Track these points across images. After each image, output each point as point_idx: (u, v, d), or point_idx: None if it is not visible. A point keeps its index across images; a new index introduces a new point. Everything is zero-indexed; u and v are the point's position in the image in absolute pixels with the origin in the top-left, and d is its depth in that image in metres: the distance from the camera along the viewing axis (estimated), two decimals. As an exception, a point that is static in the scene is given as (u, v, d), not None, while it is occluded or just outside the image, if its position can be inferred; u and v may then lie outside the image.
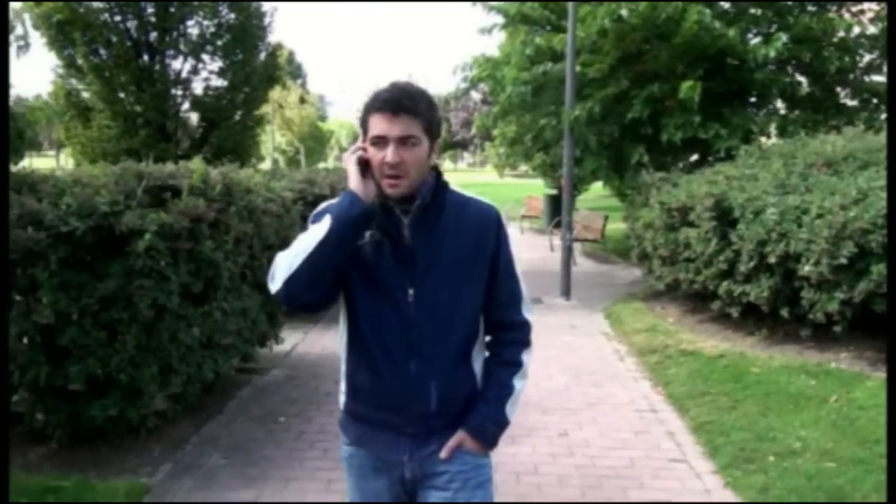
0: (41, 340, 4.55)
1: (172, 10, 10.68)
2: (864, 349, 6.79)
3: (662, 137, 11.20)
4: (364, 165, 2.10)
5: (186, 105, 11.78)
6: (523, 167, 30.28)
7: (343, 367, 2.31)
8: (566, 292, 10.84)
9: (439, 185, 2.19)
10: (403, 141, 2.05)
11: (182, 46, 11.21)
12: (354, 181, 2.09)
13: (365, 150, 2.11)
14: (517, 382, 2.30)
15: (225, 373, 5.61)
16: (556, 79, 11.98)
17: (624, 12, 10.67)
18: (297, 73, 14.25)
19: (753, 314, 7.69)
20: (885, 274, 6.01)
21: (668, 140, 11.16)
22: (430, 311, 2.17)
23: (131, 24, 10.82)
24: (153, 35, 10.95)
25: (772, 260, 6.86)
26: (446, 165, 71.46)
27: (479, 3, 13.68)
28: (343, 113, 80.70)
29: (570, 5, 10.65)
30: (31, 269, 4.49)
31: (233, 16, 11.15)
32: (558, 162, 13.27)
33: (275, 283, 2.14)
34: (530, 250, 15.71)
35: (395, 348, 2.18)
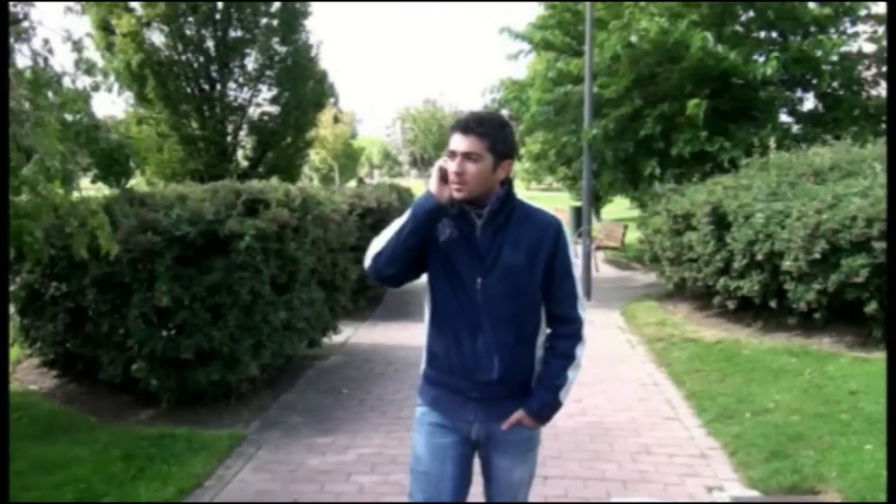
0: (157, 321, 5.76)
1: (230, 46, 12.07)
2: (844, 335, 7.81)
3: (673, 151, 12.25)
4: (445, 174, 2.58)
5: (244, 129, 13.13)
6: (548, 181, 31.36)
7: (425, 340, 2.77)
8: (587, 293, 11.88)
9: (508, 196, 2.63)
10: (468, 156, 2.52)
11: (240, 78, 12.60)
12: (433, 184, 2.58)
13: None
14: (570, 373, 2.67)
15: (298, 353, 6.80)
16: (576, 99, 13.10)
17: (634, 38, 11.78)
18: (329, 91, 15.16)
19: (751, 308, 8.74)
20: (853, 266, 7.06)
21: (678, 154, 12.21)
22: (493, 298, 2.60)
23: (194, 59, 12.23)
24: (214, 68, 12.33)
25: (760, 257, 7.94)
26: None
27: (506, 32, 14.79)
28: (373, 130, 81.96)
29: (586, 33, 11.78)
30: (150, 265, 5.70)
31: (284, 49, 12.54)
32: (579, 175, 14.40)
33: (366, 261, 2.71)
34: (556, 258, 16.77)
35: (465, 325, 2.63)
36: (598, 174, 13.64)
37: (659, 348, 8.26)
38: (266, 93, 12.83)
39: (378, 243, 2.68)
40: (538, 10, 15.90)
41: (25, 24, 6.01)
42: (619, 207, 27.81)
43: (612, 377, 7.23)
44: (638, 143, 12.86)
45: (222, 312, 5.73)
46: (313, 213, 6.59)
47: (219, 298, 5.70)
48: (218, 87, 12.40)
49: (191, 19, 12.07)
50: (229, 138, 12.69)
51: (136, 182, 6.83)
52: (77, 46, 6.41)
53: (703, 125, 11.87)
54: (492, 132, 2.55)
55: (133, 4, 12.27)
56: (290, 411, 6.19)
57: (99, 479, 4.81)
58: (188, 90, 12.23)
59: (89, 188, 7.28)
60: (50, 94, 5.80)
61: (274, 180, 6.58)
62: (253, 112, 12.99)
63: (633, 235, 16.60)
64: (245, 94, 12.65)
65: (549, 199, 34.93)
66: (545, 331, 2.74)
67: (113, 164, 6.50)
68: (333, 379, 7.15)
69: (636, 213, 19.70)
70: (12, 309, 7.26)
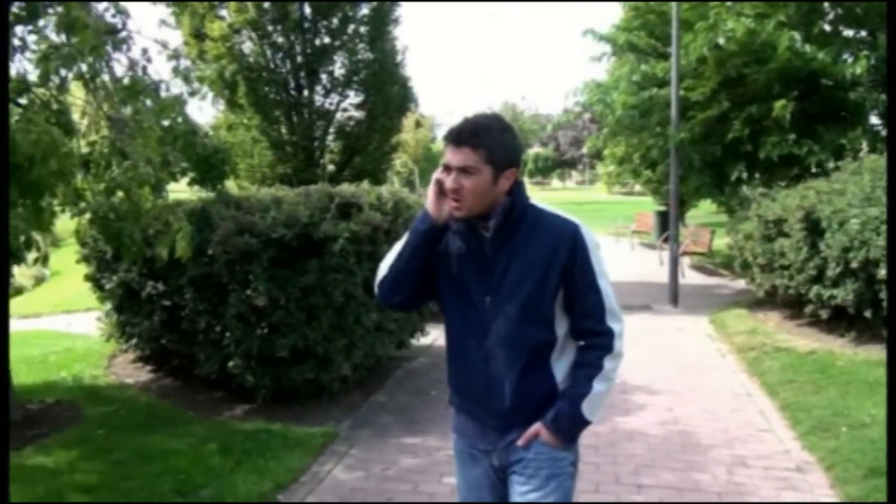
0: (254, 320, 5.94)
1: (318, 53, 12.34)
2: (945, 347, 7.54)
3: (760, 155, 11.98)
4: (443, 187, 2.36)
5: (331, 134, 13.35)
6: (631, 184, 31.00)
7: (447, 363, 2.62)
8: (674, 300, 11.74)
9: (513, 206, 2.38)
10: (462, 170, 2.30)
11: (327, 84, 12.83)
12: (429, 201, 2.38)
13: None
14: (597, 384, 2.40)
15: (387, 354, 6.91)
16: (661, 102, 12.93)
17: (721, 40, 11.57)
18: (410, 96, 15.15)
19: (845, 318, 8.49)
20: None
21: (765, 157, 11.94)
22: (503, 318, 2.38)
23: (283, 65, 12.53)
24: (302, 74, 12.59)
25: (854, 265, 7.70)
26: (554, 184, 71.94)
27: (590, 34, 14.69)
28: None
29: (673, 34, 11.63)
30: (247, 266, 5.89)
31: (370, 56, 12.72)
32: (664, 179, 14.20)
33: (375, 287, 2.59)
34: (641, 264, 16.61)
35: (475, 349, 2.44)
36: (685, 178, 13.41)
37: (750, 358, 8.10)
38: (353, 98, 13.08)
39: (382, 268, 2.55)
40: (622, 11, 15.75)
41: (124, 33, 6.30)
42: (702, 211, 27.33)
43: (702, 386, 7.13)
44: (725, 147, 12.61)
45: (316, 313, 5.88)
46: (404, 217, 6.71)
47: (313, 299, 5.84)
48: (306, 92, 12.68)
49: (280, 27, 12.36)
50: (317, 143, 12.95)
51: (228, 186, 7.08)
52: (175, 54, 6.67)
53: (791, 128, 11.58)
54: (489, 141, 2.33)
55: (223, 12, 12.62)
56: (380, 411, 6.30)
57: (197, 471, 4.99)
58: (278, 96, 12.55)
59: (184, 191, 7.57)
60: (148, 101, 6.08)
61: (365, 184, 6.72)
62: (340, 117, 13.22)
63: (720, 241, 16.29)
64: (332, 99, 12.92)
65: (632, 203, 34.53)
66: (567, 349, 2.48)
67: (209, 168, 6.73)
68: (421, 380, 7.23)
69: (721, 217, 19.33)
70: (109, 305, 7.60)
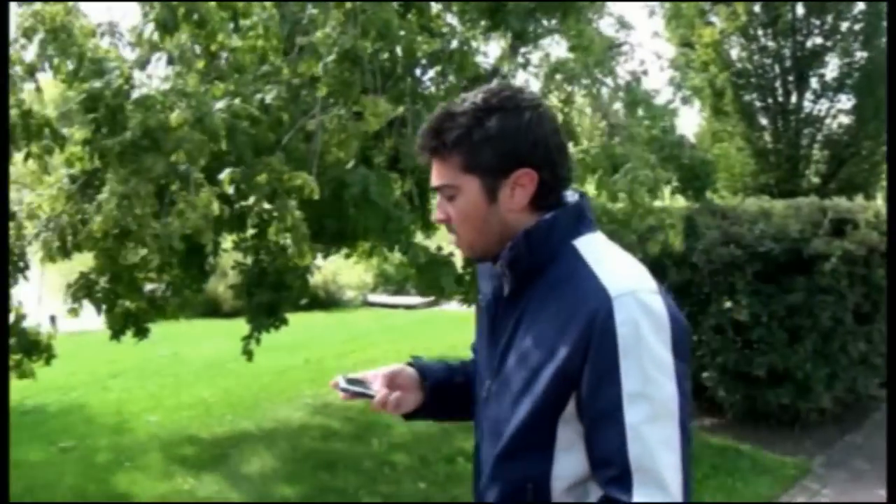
0: (733, 334, 5.82)
1: (809, 55, 11.61)
2: None
3: None
4: None
5: (818, 143, 12.44)
6: None
7: None
8: None
9: (531, 240, 1.41)
10: (442, 191, 1.48)
11: (817, 88, 11.99)
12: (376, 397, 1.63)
13: None
14: None
15: (868, 392, 6.30)
16: None
17: None
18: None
19: None
20: None
21: None
22: (493, 421, 1.48)
23: (770, 70, 12.03)
24: (790, 78, 11.95)
25: None
26: None
27: None
28: None
29: None
30: (729, 278, 5.79)
31: (865, 54, 11.55)
32: None
33: None
34: None
35: (478, 456, 1.59)
36: None
37: None
38: (843, 102, 12.01)
39: None
40: None
41: (626, 47, 6.64)
42: None
43: None
44: None
45: (800, 335, 5.59)
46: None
47: (797, 320, 5.57)
48: (793, 98, 11.99)
49: (769, 30, 11.86)
50: (802, 152, 12.17)
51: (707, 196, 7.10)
52: (674, 65, 6.81)
53: None
54: (459, 137, 1.40)
55: (713, 18, 12.50)
56: (855, 453, 5.74)
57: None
58: (763, 102, 12.04)
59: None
60: (641, 110, 6.31)
61: (859, 198, 6.20)
62: (830, 124, 12.25)
63: None
64: (822, 105, 12.03)
65: None
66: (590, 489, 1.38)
67: (693, 178, 6.78)
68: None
69: None
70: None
